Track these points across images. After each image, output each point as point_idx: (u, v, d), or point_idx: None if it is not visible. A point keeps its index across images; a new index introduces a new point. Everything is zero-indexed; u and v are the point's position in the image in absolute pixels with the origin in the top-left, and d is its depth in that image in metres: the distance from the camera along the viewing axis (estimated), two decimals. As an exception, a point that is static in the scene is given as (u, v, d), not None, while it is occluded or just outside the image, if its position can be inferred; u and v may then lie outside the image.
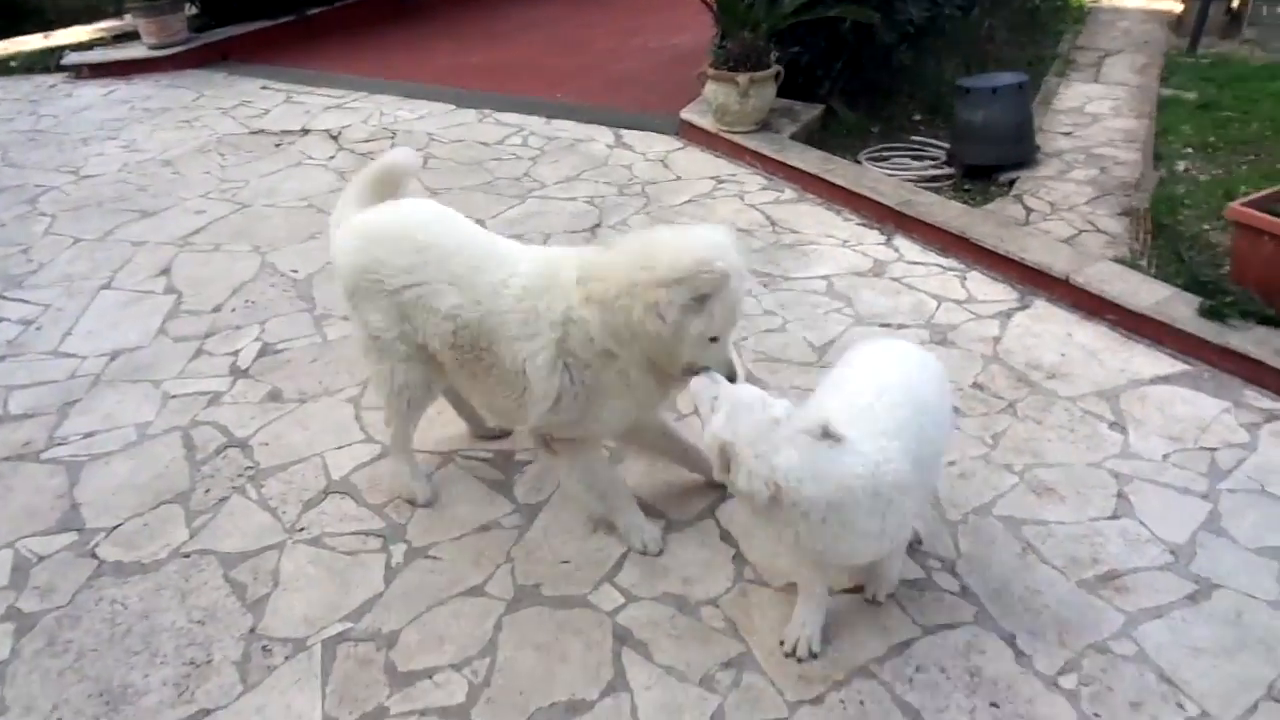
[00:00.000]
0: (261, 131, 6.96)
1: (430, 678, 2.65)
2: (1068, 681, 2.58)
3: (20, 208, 5.76)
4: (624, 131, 6.85)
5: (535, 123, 7.06)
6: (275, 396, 3.88)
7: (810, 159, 5.89)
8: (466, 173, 6.13)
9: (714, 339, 2.63)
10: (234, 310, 4.54)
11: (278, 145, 6.68)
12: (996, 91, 5.69)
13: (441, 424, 3.61)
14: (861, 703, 2.54)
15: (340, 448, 3.58)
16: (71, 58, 8.83)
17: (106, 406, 3.86)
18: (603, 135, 6.79)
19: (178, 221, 5.48)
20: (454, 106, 7.42)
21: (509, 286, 2.80)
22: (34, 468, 3.52)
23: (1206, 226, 5.20)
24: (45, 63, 8.99)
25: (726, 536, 3.12)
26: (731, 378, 2.63)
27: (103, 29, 9.94)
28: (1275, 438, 3.52)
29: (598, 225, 5.38)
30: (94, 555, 3.10)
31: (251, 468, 3.49)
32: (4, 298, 4.72)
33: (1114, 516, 3.16)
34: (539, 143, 6.67)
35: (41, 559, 3.10)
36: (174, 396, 3.91)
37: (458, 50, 9.18)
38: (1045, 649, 2.67)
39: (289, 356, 4.16)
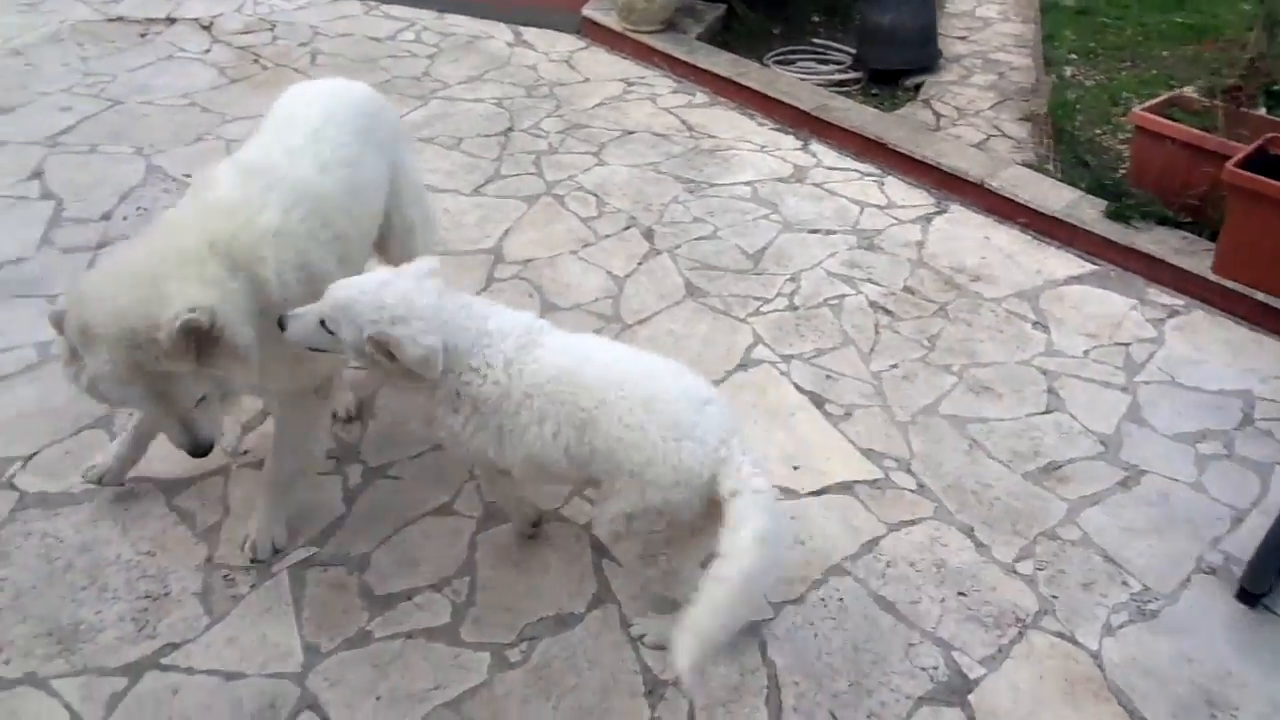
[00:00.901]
0: (121, 19, 6.29)
1: (410, 599, 2.58)
2: (1025, 568, 2.75)
3: None
4: (522, 29, 6.54)
5: (426, 17, 6.65)
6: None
7: (721, 62, 5.80)
8: (361, 70, 5.73)
9: None
10: (126, 219, 4.16)
11: (143, 35, 6.07)
12: (904, -5, 5.71)
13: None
14: (841, 599, 2.64)
15: (273, 366, 3.38)
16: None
17: (-5, 325, 3.51)
18: (500, 32, 6.48)
19: (42, 119, 4.93)
20: (335, -5, 6.91)
21: None
22: (-78, 399, 3.19)
23: (1098, 131, 5.44)
24: None
25: (689, 444, 3.13)
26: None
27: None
28: (1179, 332, 3.78)
29: (510, 129, 5.17)
30: (13, 486, 2.85)
31: (177, 389, 3.25)
32: None
33: (1047, 411, 3.35)
34: (434, 39, 6.31)
35: (-50, 495, 2.83)
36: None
37: (328, -66, 8.49)
38: (1002, 539, 2.83)
39: (197, 269, 3.86)
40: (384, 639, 2.48)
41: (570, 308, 3.78)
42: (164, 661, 2.39)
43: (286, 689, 2.35)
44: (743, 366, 3.51)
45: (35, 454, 2.96)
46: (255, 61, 5.80)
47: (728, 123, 5.38)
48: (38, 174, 4.46)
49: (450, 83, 5.68)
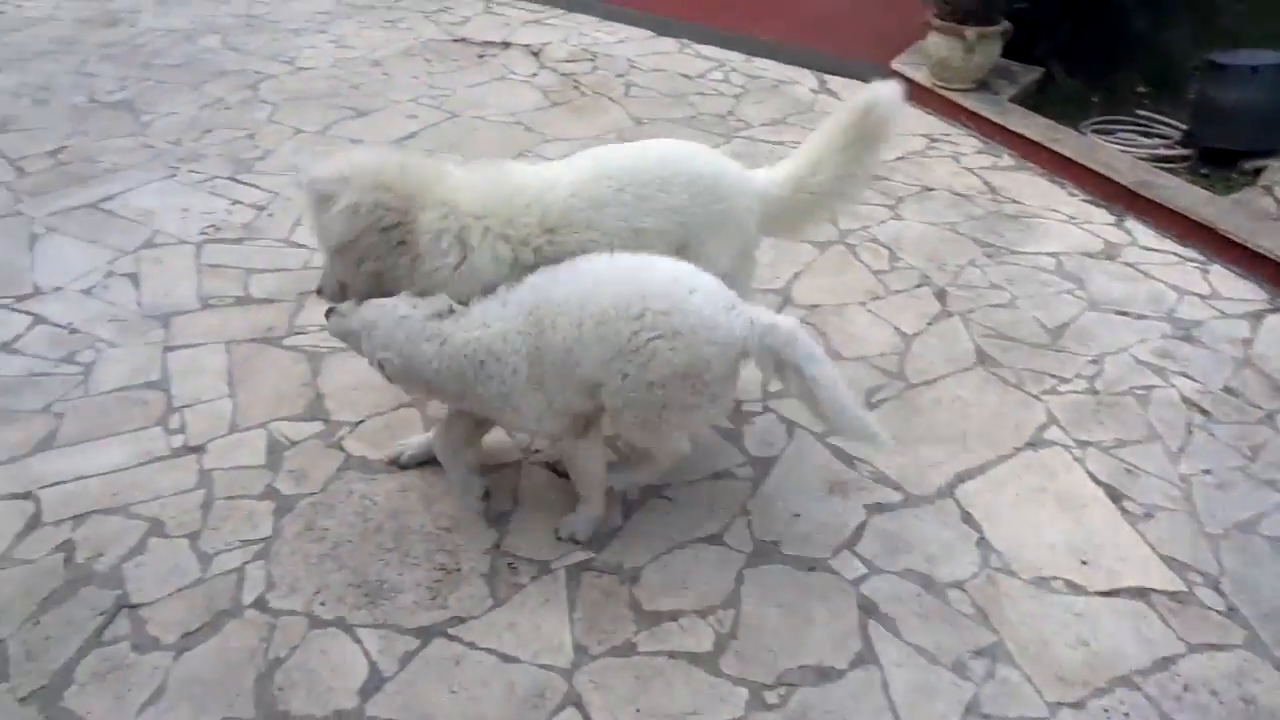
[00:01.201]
0: (464, 40, 6.95)
1: (675, 620, 2.65)
2: (1357, 727, 2.42)
3: (243, 92, 5.91)
4: (827, 76, 6.59)
5: (735, 58, 6.86)
6: (500, 313, 3.90)
7: (1034, 126, 5.57)
8: (670, 105, 6.02)
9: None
10: (452, 221, 4.57)
11: (480, 57, 6.67)
12: (1257, 70, 5.24)
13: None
14: (1126, 714, 2.43)
15: (568, 373, 3.58)
16: (279, -53, 8.97)
17: (339, 303, 3.95)
18: (805, 78, 6.56)
19: (391, 124, 5.54)
20: (652, 33, 7.27)
21: None
22: (278, 353, 3.64)
23: None
24: (252, -50, 9.15)
25: (969, 519, 3.02)
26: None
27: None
28: None
29: (808, 173, 5.21)
30: (341, 448, 3.20)
31: (482, 382, 3.53)
32: (236, 180, 4.86)
33: (1397, 554, 2.94)
34: (741, 80, 6.49)
35: (294, 444, 3.21)
36: (402, 301, 3.97)
37: (650, -27, 8.98)
38: (1329, 688, 2.51)
39: (509, 274, 4.17)
40: (648, 654, 2.55)
41: (854, 359, 3.75)
42: (450, 632, 2.59)
43: (555, 682, 2.47)
44: (1032, 446, 3.34)
45: (361, 422, 3.31)
46: (575, 88, 6.21)
47: (1034, 189, 5.15)
48: (384, 173, 4.99)
49: (753, 124, 5.82)
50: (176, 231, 4.37)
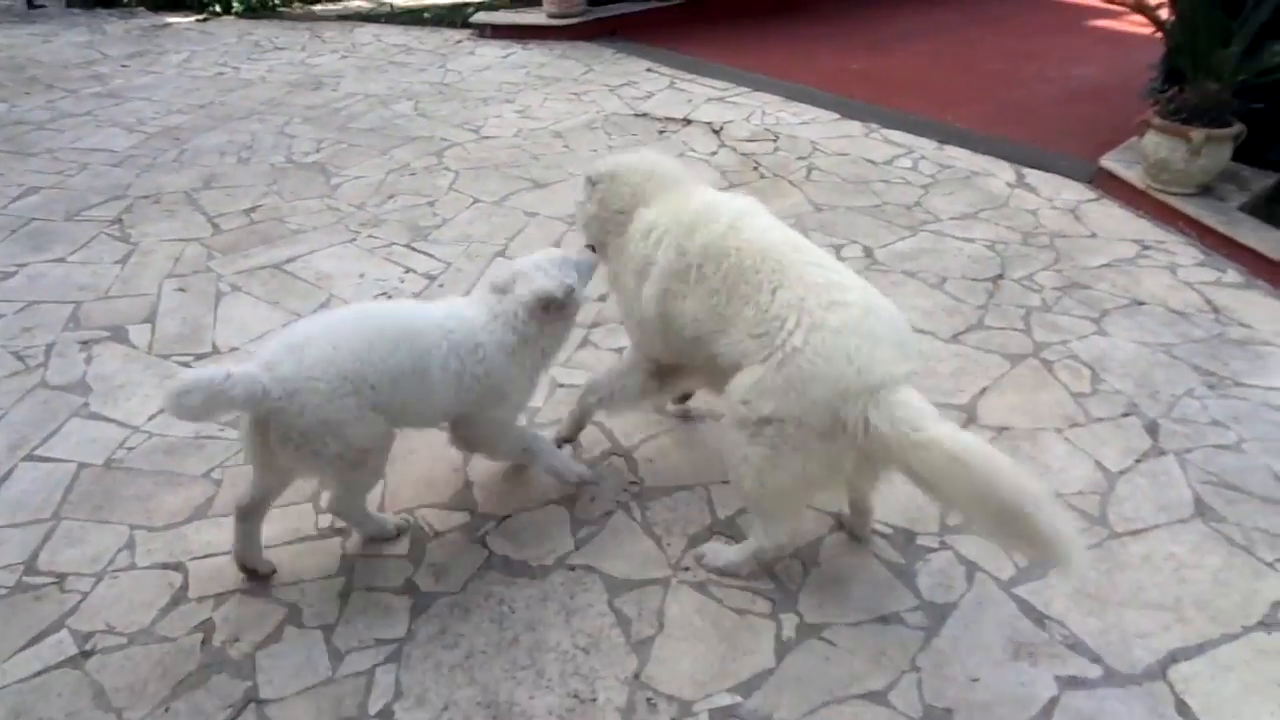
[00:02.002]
0: (645, 115, 6.95)
1: (830, 794, 2.33)
2: None
3: (429, 159, 6.07)
4: (1026, 170, 6.18)
5: (925, 146, 6.55)
6: (659, 408, 3.72)
7: (1269, 239, 4.98)
8: (852, 192, 5.76)
9: None
10: (619, 303, 4.45)
11: (661, 132, 6.63)
12: None
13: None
14: None
15: (726, 484, 3.34)
16: (479, 16, 9.39)
17: (496, 382, 3.86)
18: (1001, 171, 6.17)
19: (567, 197, 5.50)
20: (838, 116, 7.06)
21: None
22: (436, 435, 3.54)
23: None
24: (453, 18, 9.63)
25: (1184, 709, 2.57)
26: None
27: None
28: None
29: (1000, 276, 4.83)
30: (484, 544, 3.06)
31: (636, 484, 3.34)
32: (412, 249, 4.92)
33: None
34: (930, 169, 6.17)
35: (437, 535, 3.10)
36: (561, 385, 3.85)
37: (839, 54, 8.83)
38: None
39: (673, 365, 3.99)
40: (795, 833, 2.24)
41: (1048, 495, 3.33)
42: (579, 774, 2.36)
43: None
44: (1265, 626, 2.83)
45: (507, 518, 3.17)
46: (755, 169, 6.05)
47: (1267, 312, 4.57)
48: (556, 245, 4.95)
49: (941, 217, 5.48)
50: (351, 297, 4.44)
